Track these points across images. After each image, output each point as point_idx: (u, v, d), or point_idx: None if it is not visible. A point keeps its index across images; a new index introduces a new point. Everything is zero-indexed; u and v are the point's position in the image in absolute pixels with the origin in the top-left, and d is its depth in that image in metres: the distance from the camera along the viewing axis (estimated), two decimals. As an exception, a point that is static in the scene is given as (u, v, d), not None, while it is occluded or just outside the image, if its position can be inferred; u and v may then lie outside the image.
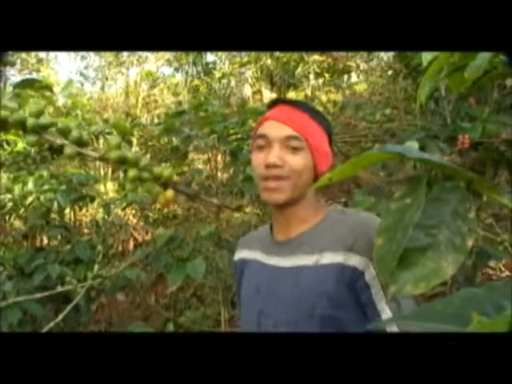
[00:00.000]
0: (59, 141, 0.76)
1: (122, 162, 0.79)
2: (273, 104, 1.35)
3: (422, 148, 2.80)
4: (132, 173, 0.78)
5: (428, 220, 0.50)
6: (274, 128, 1.26)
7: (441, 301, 0.37)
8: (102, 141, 4.05)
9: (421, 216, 0.50)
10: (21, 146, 3.67)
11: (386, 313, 1.12)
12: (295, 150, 1.24)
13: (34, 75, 9.06)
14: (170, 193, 0.85)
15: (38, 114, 0.78)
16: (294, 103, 1.32)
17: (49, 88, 1.17)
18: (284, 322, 1.21)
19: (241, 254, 1.45)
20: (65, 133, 0.75)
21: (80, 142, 0.77)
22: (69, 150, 0.76)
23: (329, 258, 1.20)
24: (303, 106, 1.32)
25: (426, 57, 0.90)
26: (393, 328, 1.11)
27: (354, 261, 1.17)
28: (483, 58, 0.80)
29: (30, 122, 0.77)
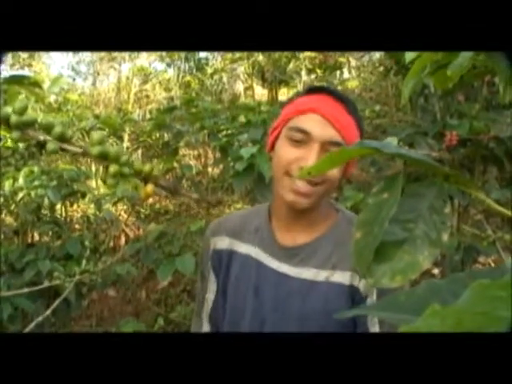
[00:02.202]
0: (42, 137, 0.77)
1: (104, 158, 0.80)
2: (315, 91, 1.20)
3: (411, 144, 2.82)
4: (113, 168, 0.79)
5: (405, 214, 0.51)
6: (319, 126, 1.12)
7: (405, 292, 0.38)
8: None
9: (398, 210, 0.51)
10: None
11: None
12: None
13: (26, 70, 9.01)
14: (149, 187, 0.86)
15: (22, 111, 0.79)
16: (340, 98, 1.17)
17: (38, 85, 1.17)
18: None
19: (225, 243, 1.32)
20: (48, 129, 0.76)
21: (63, 138, 0.78)
22: (51, 145, 0.77)
23: (339, 277, 1.15)
24: (348, 104, 1.17)
25: (409, 55, 0.91)
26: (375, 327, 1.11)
27: (359, 283, 1.14)
28: (465, 56, 0.81)
29: (14, 118, 0.78)
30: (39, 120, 0.75)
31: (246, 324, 1.23)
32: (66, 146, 0.76)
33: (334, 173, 1.12)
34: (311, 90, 1.20)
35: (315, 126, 1.12)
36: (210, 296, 1.35)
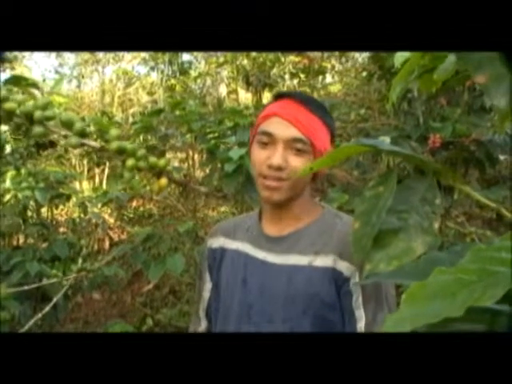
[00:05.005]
0: (63, 132, 0.81)
1: (121, 152, 0.84)
2: (280, 97, 1.31)
3: (395, 147, 2.85)
4: (130, 162, 0.83)
5: (399, 205, 0.56)
6: (280, 127, 1.23)
7: (410, 263, 0.43)
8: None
9: (393, 202, 0.56)
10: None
11: (362, 321, 1.16)
12: (299, 151, 1.22)
13: (8, 73, 8.92)
14: (163, 181, 0.90)
15: (45, 106, 0.82)
16: (302, 100, 1.27)
17: (36, 86, 1.20)
18: (280, 319, 1.22)
19: (219, 242, 1.42)
20: (68, 125, 0.80)
21: (83, 134, 0.82)
22: (73, 140, 0.80)
23: (321, 261, 1.22)
24: (312, 104, 1.28)
25: (399, 58, 0.96)
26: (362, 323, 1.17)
27: (343, 266, 1.20)
28: (451, 60, 0.86)
29: (38, 114, 0.81)
30: (60, 116, 0.79)
31: (234, 312, 1.30)
32: (85, 141, 0.80)
33: (297, 168, 1.22)
34: (277, 97, 1.32)
35: (277, 127, 1.24)
36: (206, 294, 1.43)
